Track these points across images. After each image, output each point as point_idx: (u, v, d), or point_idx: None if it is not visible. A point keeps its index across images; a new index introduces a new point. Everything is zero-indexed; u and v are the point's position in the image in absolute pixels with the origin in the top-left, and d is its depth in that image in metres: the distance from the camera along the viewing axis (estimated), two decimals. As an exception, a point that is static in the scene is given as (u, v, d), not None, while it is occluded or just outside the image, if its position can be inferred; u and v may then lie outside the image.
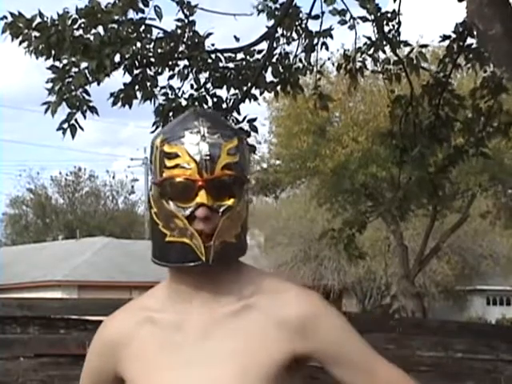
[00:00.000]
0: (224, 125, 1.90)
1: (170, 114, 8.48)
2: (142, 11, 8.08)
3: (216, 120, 1.90)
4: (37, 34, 7.74)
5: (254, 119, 8.79)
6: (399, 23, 9.08)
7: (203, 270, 1.83)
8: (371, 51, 9.19)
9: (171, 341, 1.86)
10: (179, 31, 8.37)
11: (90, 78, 7.76)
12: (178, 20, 8.42)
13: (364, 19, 8.80)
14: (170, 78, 8.63)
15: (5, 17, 7.83)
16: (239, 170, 1.84)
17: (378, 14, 8.84)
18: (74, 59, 7.78)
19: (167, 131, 1.90)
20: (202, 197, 1.80)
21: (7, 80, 69.23)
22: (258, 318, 1.83)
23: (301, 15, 9.03)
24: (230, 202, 1.82)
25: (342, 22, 8.73)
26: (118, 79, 8.34)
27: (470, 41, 9.06)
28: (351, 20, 8.85)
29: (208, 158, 1.81)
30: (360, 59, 9.34)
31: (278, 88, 9.04)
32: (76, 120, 7.90)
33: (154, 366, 1.86)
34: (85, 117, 7.94)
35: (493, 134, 9.19)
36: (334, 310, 1.89)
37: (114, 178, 47.25)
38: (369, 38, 9.08)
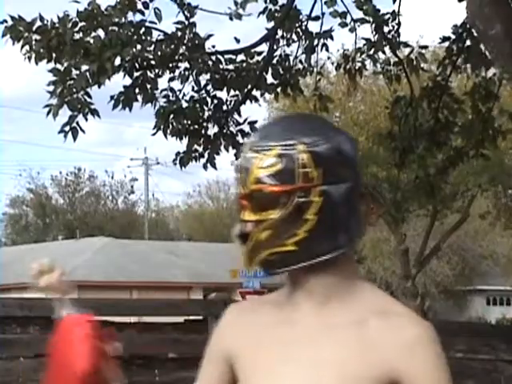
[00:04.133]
0: (272, 134, 1.87)
1: (171, 116, 8.51)
2: (142, 13, 8.10)
3: (267, 130, 1.90)
4: (37, 37, 7.75)
5: (255, 122, 8.87)
6: (399, 24, 9.09)
7: (293, 275, 1.88)
8: (371, 52, 9.20)
9: (280, 339, 1.88)
10: (179, 33, 8.38)
11: (91, 81, 7.78)
12: (178, 23, 8.43)
13: (362, 21, 8.81)
14: (171, 80, 8.64)
15: (5, 20, 7.84)
16: (278, 181, 1.83)
17: (378, 15, 8.84)
18: (74, 62, 7.79)
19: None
20: (244, 213, 1.87)
21: (14, 81, 69.26)
22: (367, 334, 1.83)
23: (301, 17, 9.04)
24: (268, 213, 1.83)
25: (343, 25, 8.73)
26: (122, 81, 8.37)
27: (469, 42, 9.08)
28: (352, 22, 8.86)
29: (243, 173, 1.86)
30: (359, 59, 9.35)
31: (278, 90, 9.07)
32: (77, 123, 7.92)
33: (262, 362, 1.88)
34: (86, 119, 7.96)
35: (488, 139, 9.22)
36: (438, 348, 1.86)
37: (112, 178, 47.23)
38: (368, 40, 9.09)
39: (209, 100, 8.83)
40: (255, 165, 1.84)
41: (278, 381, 1.85)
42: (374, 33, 8.96)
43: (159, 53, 8.22)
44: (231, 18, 8.93)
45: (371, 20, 8.78)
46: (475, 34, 8.06)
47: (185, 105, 8.69)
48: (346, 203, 1.85)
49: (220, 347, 1.97)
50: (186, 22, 8.42)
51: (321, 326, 1.85)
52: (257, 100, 8.97)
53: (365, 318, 1.84)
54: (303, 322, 1.87)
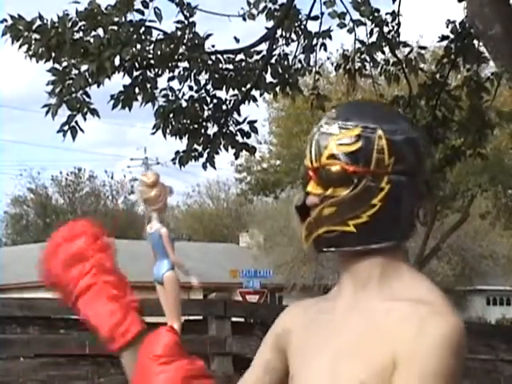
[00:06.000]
0: (354, 114, 1.87)
1: (171, 115, 8.50)
2: (142, 13, 8.10)
3: (349, 110, 1.89)
4: (37, 36, 7.75)
5: (255, 121, 8.88)
6: (399, 24, 9.10)
7: (343, 259, 1.88)
8: (368, 53, 9.20)
9: (320, 327, 1.90)
10: (179, 33, 8.38)
11: (91, 81, 7.78)
12: (178, 22, 8.43)
13: (358, 23, 8.81)
14: (170, 79, 8.64)
15: (5, 20, 7.84)
16: (353, 161, 1.83)
17: (376, 15, 8.84)
18: (74, 61, 7.80)
19: None
20: (310, 185, 1.87)
21: (14, 81, 69.31)
22: (389, 321, 1.80)
23: (300, 16, 9.05)
24: (336, 191, 1.84)
25: (342, 26, 8.74)
26: (121, 80, 8.37)
27: (466, 41, 9.09)
28: (350, 23, 8.86)
29: (317, 147, 1.86)
30: (359, 60, 9.36)
31: (277, 89, 9.06)
32: (76, 122, 7.93)
33: (302, 352, 1.91)
34: (85, 119, 7.96)
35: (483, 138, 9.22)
36: (456, 357, 1.85)
37: (112, 178, 47.29)
38: (362, 42, 9.11)
39: (208, 99, 8.84)
40: (333, 140, 1.84)
41: (309, 369, 1.87)
42: (369, 36, 9.00)
43: (159, 52, 8.22)
44: (244, 19, 8.94)
45: (368, 22, 8.80)
46: (473, 33, 8.07)
47: (184, 104, 8.69)
48: (409, 196, 1.87)
49: (274, 337, 2.00)
50: (186, 22, 8.42)
51: (353, 311, 1.85)
52: (255, 100, 8.98)
53: (395, 305, 1.81)
54: (340, 307, 1.88)
